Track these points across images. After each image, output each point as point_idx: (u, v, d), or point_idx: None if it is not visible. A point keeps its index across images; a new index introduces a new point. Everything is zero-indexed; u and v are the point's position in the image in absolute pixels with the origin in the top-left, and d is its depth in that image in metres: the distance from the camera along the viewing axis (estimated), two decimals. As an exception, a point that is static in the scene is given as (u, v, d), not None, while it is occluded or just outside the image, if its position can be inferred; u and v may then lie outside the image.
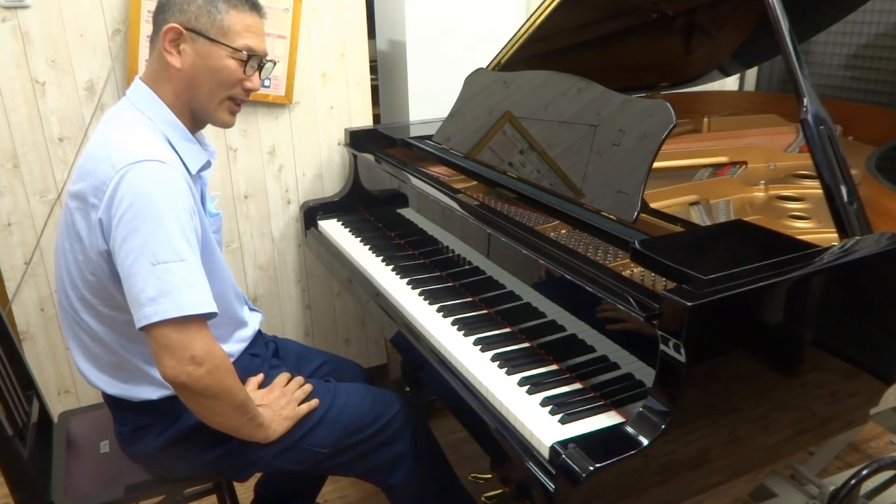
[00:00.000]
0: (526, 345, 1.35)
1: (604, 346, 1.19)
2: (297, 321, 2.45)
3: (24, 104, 1.89)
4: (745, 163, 1.79)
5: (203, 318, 1.18)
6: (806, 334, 1.09)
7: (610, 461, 0.95)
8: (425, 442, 1.52)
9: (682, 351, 0.95)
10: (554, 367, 1.27)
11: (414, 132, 2.13)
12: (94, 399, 1.78)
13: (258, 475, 1.76)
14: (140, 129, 1.25)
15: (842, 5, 2.14)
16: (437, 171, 1.86)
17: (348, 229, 2.06)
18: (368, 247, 1.91)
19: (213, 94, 1.30)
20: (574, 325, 1.25)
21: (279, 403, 1.38)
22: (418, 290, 1.60)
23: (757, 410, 1.09)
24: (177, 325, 1.14)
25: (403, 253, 1.84)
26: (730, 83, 2.82)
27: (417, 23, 2.37)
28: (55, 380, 2.13)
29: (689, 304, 0.93)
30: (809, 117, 1.17)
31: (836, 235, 1.15)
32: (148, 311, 1.13)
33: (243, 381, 1.41)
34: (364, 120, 2.32)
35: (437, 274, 1.68)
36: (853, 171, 1.20)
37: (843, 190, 1.15)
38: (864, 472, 1.38)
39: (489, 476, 1.54)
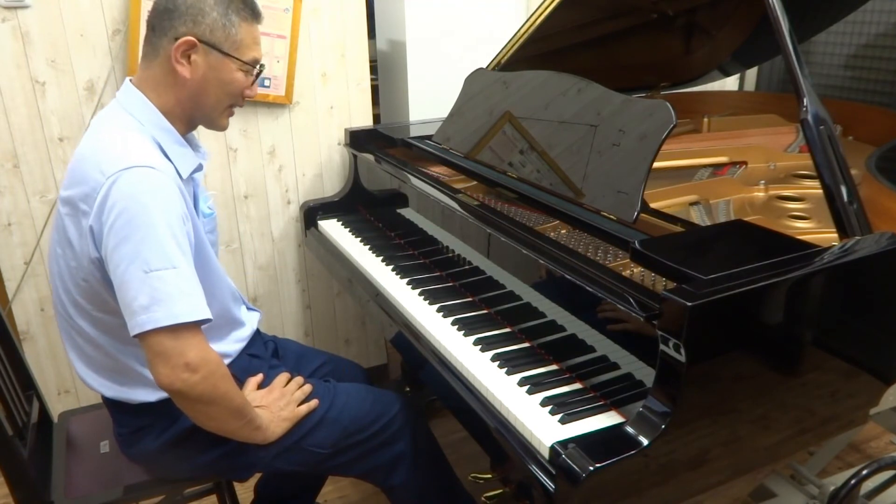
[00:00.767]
0: (526, 345, 1.35)
1: (604, 346, 1.19)
2: (297, 321, 2.45)
3: (24, 104, 1.89)
4: (745, 163, 1.79)
5: (197, 325, 1.17)
6: (806, 334, 1.09)
7: (610, 461, 0.95)
8: (425, 442, 1.52)
9: (682, 351, 0.95)
10: (554, 367, 1.27)
11: (414, 132, 2.13)
12: (94, 399, 1.77)
13: (258, 475, 1.76)
14: (130, 134, 1.23)
15: (842, 5, 2.14)
16: (437, 171, 1.86)
17: (348, 229, 2.06)
18: (368, 247, 1.91)
19: (219, 103, 1.31)
20: (574, 325, 1.25)
21: (278, 405, 1.38)
22: (418, 290, 1.60)
23: (757, 410, 1.09)
24: (171, 332, 1.13)
25: (403, 253, 1.84)
26: (730, 83, 2.82)
27: (417, 23, 2.37)
28: (55, 380, 2.13)
29: (689, 304, 0.93)
30: (809, 117, 1.17)
31: (836, 235, 1.15)
32: (141, 319, 1.13)
33: (242, 381, 1.41)
34: (364, 120, 2.32)
35: (437, 274, 1.68)
36: (853, 171, 1.20)
37: (843, 190, 1.15)
38: (864, 472, 1.38)
39: (489, 476, 1.54)
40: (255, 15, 1.31)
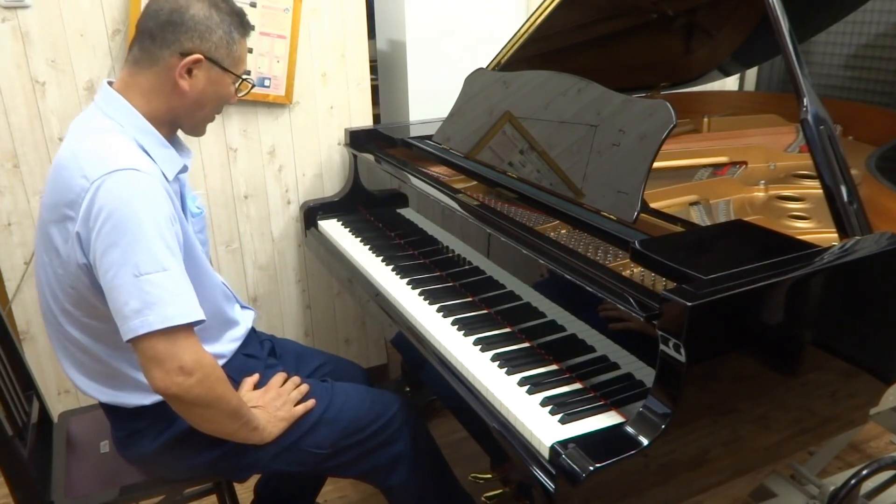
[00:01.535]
0: (526, 345, 1.35)
1: (604, 346, 1.19)
2: (297, 321, 2.45)
3: (24, 104, 1.89)
4: (745, 163, 1.79)
5: (190, 327, 1.16)
6: (806, 334, 1.09)
7: (610, 461, 0.95)
8: (424, 442, 1.52)
9: (682, 351, 0.95)
10: (554, 367, 1.27)
11: (414, 132, 2.13)
12: (94, 399, 1.77)
13: (258, 475, 1.75)
14: (112, 137, 1.21)
15: (842, 5, 2.14)
16: (437, 171, 1.86)
17: (348, 229, 2.06)
18: (368, 247, 1.91)
19: (211, 113, 1.34)
20: (574, 325, 1.25)
21: (274, 405, 1.37)
22: (418, 290, 1.60)
23: (757, 410, 1.09)
24: (164, 336, 1.12)
25: (403, 253, 1.84)
26: (730, 83, 2.82)
27: (417, 23, 2.37)
28: (55, 380, 2.13)
29: (689, 304, 0.93)
30: (809, 117, 1.17)
31: (836, 235, 1.15)
32: (133, 323, 1.11)
33: (238, 381, 1.41)
34: (364, 120, 2.32)
35: (437, 274, 1.68)
36: (853, 171, 1.20)
37: (843, 190, 1.15)
38: (864, 472, 1.38)
39: (489, 476, 1.54)
40: (249, 30, 1.33)
